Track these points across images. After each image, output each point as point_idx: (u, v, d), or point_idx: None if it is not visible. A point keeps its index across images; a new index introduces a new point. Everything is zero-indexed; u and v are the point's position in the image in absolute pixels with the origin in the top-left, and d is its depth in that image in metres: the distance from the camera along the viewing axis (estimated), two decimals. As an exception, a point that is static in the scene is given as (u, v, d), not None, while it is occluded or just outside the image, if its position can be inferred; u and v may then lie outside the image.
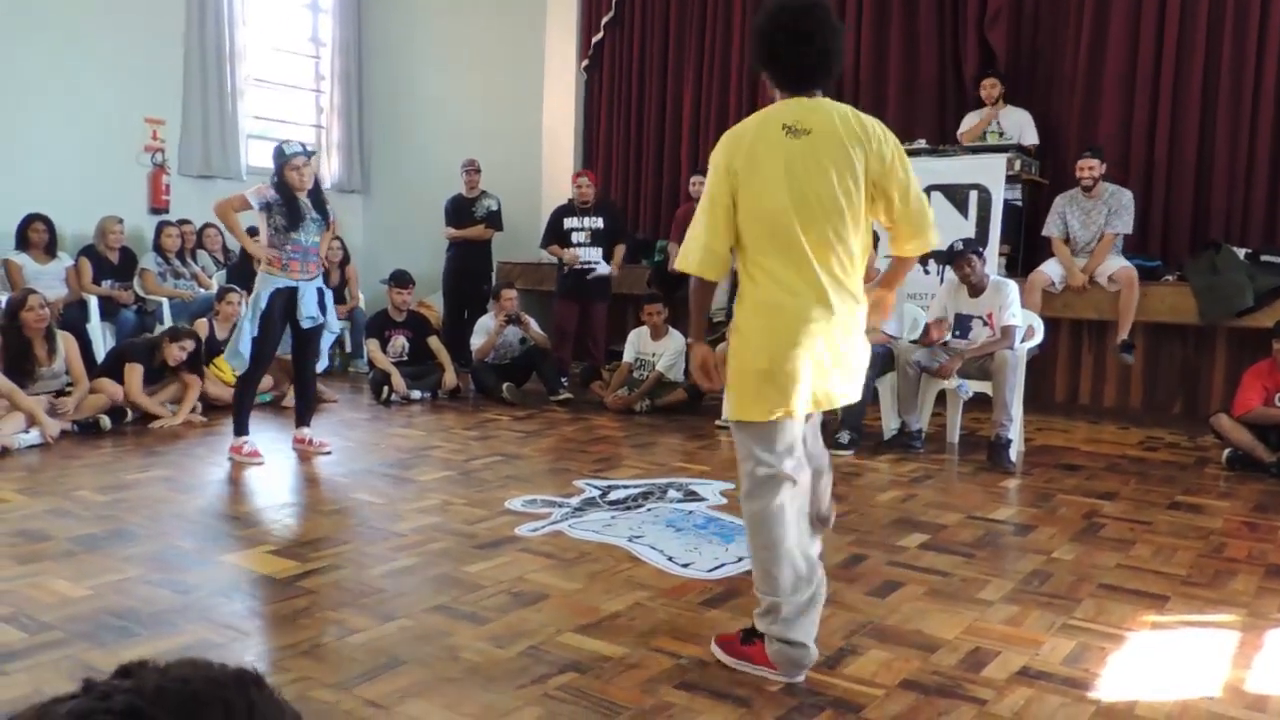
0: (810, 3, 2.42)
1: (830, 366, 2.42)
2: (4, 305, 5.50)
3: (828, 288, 2.38)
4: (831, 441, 5.27)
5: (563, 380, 6.79)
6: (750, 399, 2.42)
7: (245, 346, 4.64)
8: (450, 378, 6.75)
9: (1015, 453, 5.09)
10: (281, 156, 4.71)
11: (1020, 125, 6.71)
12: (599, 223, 7.03)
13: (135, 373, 5.46)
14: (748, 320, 2.45)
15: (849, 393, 2.51)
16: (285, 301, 4.69)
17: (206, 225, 7.69)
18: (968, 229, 6.14)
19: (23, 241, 6.68)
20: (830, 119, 2.39)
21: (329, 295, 4.94)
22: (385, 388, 6.50)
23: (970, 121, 6.90)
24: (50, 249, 6.77)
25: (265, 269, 4.67)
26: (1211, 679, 2.50)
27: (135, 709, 0.58)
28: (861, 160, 2.38)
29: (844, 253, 2.41)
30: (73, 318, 6.38)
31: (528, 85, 9.01)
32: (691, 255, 2.45)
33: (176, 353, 5.58)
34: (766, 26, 2.43)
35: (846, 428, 5.28)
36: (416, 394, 6.59)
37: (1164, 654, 2.67)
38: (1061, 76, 6.95)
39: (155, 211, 7.86)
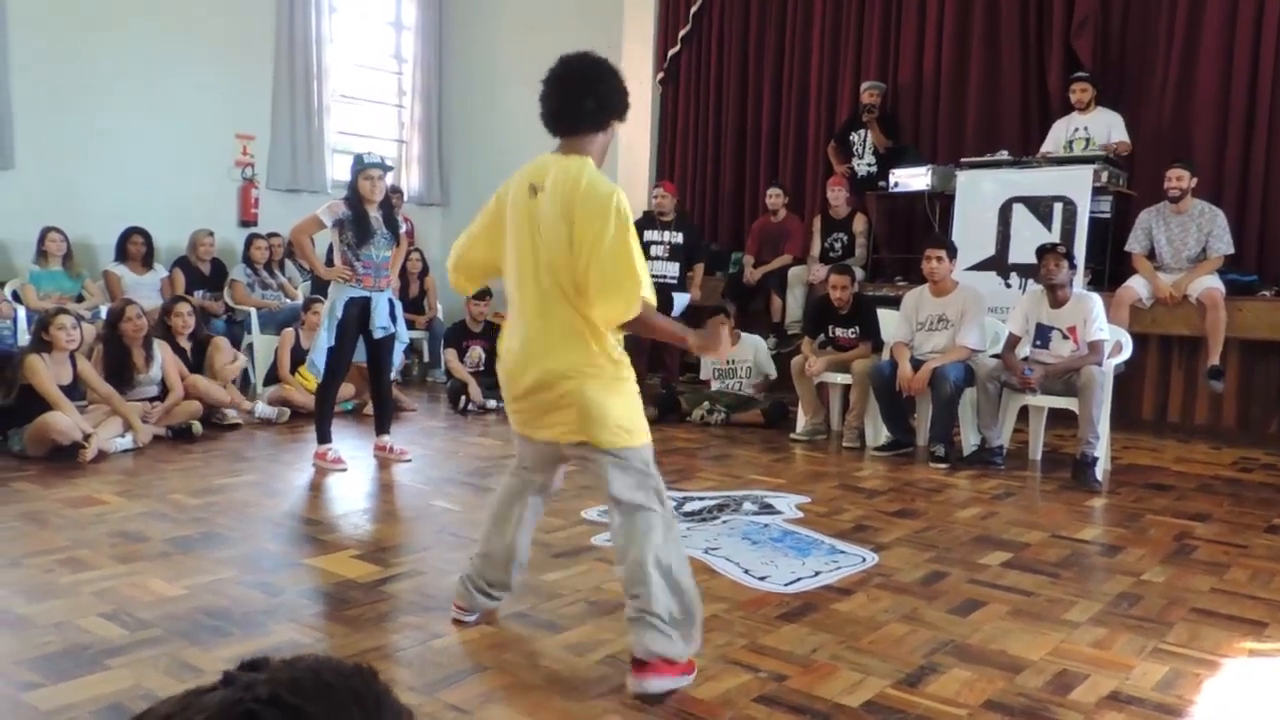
0: (579, 60, 2.62)
1: (526, 408, 2.59)
2: (105, 315, 5.74)
3: (536, 335, 2.51)
4: (928, 455, 5.24)
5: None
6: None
7: (320, 357, 4.77)
8: (526, 388, 6.83)
9: (1101, 471, 4.95)
10: (359, 164, 4.85)
11: (1108, 127, 6.54)
12: (679, 238, 7.04)
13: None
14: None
15: (550, 434, 2.57)
16: (360, 311, 4.81)
17: (293, 237, 7.93)
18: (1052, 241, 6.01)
19: (122, 253, 6.98)
20: (561, 176, 2.51)
21: (398, 306, 5.06)
22: (462, 397, 6.60)
23: (1055, 132, 6.76)
24: (147, 261, 7.06)
25: (339, 281, 4.80)
26: (1314, 710, 2.40)
27: (277, 698, 0.62)
28: (571, 219, 2.45)
29: (562, 306, 2.48)
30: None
31: (604, 99, 9.09)
32: (450, 258, 2.81)
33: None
34: None
35: (939, 442, 5.22)
36: (493, 403, 6.68)
37: (1263, 682, 2.57)
38: (1152, 85, 6.76)
39: (245, 224, 8.13)
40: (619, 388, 2.52)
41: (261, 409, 5.97)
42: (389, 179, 5.03)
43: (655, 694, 2.35)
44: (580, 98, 2.58)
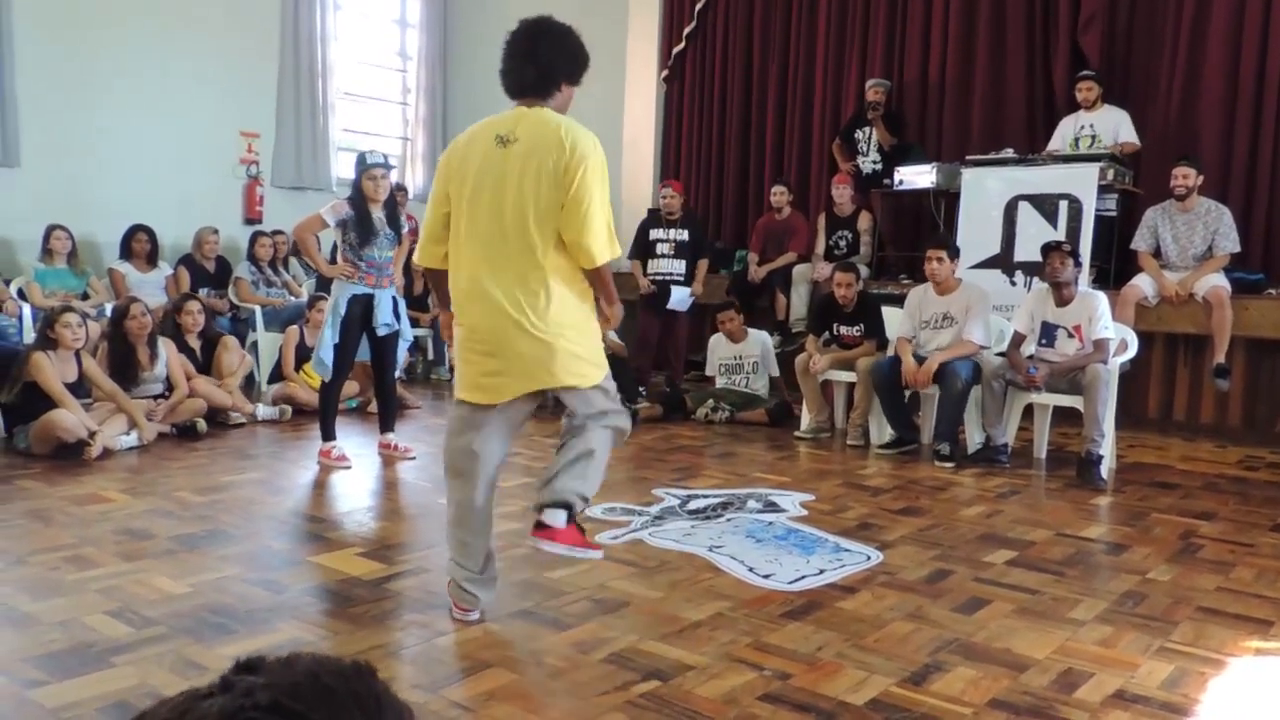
0: (526, 25, 2.76)
1: (486, 358, 2.73)
2: (110, 313, 5.75)
3: (513, 289, 2.65)
4: (932, 454, 5.22)
5: (640, 390, 6.82)
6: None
7: (328, 354, 4.77)
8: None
9: (1106, 469, 4.94)
10: (362, 165, 4.85)
11: (1116, 125, 6.51)
12: (684, 235, 7.04)
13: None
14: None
15: (507, 386, 2.74)
16: (362, 308, 4.81)
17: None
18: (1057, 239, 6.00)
19: (127, 251, 6.99)
20: (536, 128, 2.66)
21: (402, 304, 5.05)
22: (467, 395, 6.58)
23: (1062, 129, 6.74)
24: (152, 258, 7.07)
25: (342, 278, 4.81)
26: (1321, 709, 2.39)
27: (278, 704, 0.61)
28: (558, 168, 2.61)
29: (542, 255, 2.65)
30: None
31: (609, 97, 9.09)
32: (417, 248, 2.90)
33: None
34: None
35: (945, 440, 5.20)
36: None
37: (1268, 681, 2.56)
38: (1158, 83, 6.75)
39: (249, 222, 8.14)
40: (568, 331, 2.71)
41: (263, 411, 5.96)
42: (391, 177, 5.02)
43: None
44: (523, 66, 2.73)
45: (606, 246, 2.70)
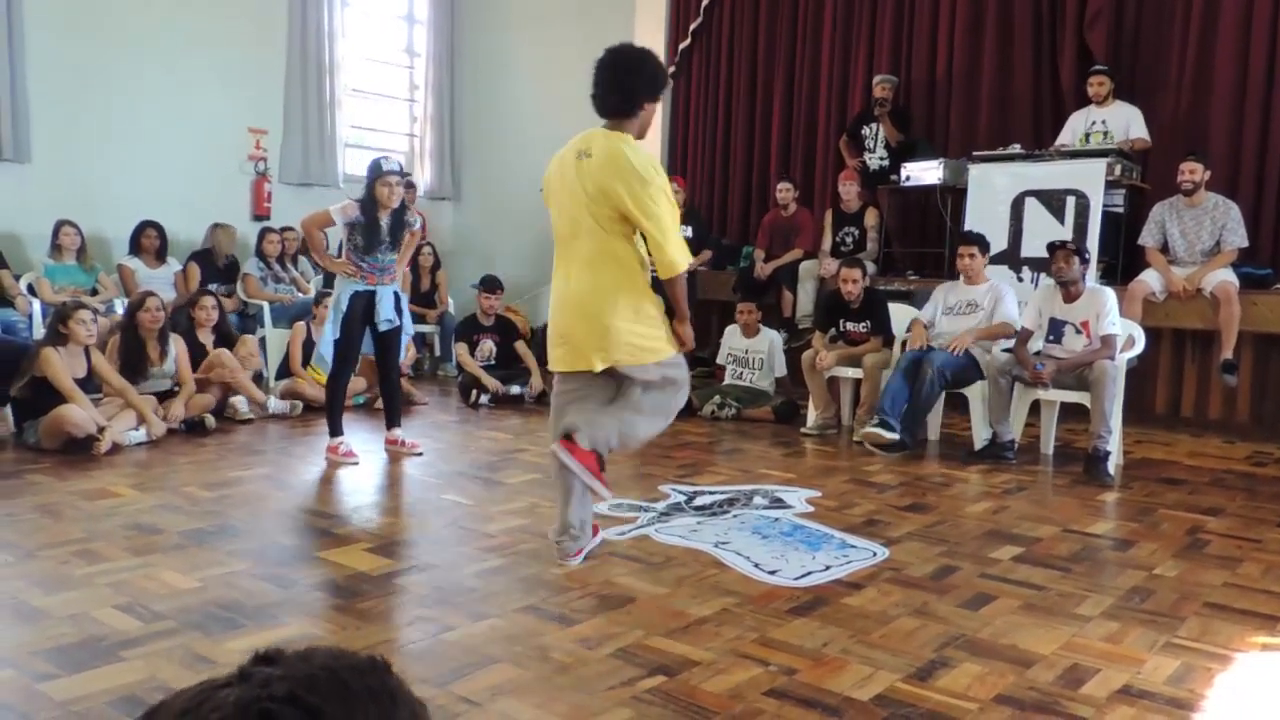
0: (610, 54, 3.15)
1: (562, 340, 3.22)
2: (125, 307, 5.78)
3: (582, 279, 3.12)
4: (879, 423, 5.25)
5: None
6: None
7: (327, 349, 4.79)
8: (537, 381, 6.84)
9: (1114, 466, 4.93)
10: (377, 170, 4.84)
11: (1127, 121, 6.49)
12: (688, 232, 7.04)
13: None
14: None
15: (579, 361, 3.21)
16: (364, 304, 4.83)
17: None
18: (1063, 236, 5.98)
19: (136, 247, 7.02)
20: (607, 149, 3.06)
21: (404, 299, 5.06)
22: (474, 391, 6.61)
23: (1072, 124, 6.71)
24: (161, 254, 7.10)
25: (344, 275, 4.83)
26: (1327, 705, 2.39)
27: (294, 696, 0.62)
28: (623, 185, 3.02)
29: (605, 252, 3.10)
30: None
31: (615, 93, 9.10)
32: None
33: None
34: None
35: (906, 427, 5.20)
36: (516, 389, 6.72)
37: (1275, 676, 2.56)
38: (1166, 78, 6.72)
39: (257, 218, 8.16)
40: (647, 313, 3.16)
41: (274, 405, 6.00)
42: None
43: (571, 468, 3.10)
44: (609, 90, 3.10)
45: (683, 255, 3.09)
